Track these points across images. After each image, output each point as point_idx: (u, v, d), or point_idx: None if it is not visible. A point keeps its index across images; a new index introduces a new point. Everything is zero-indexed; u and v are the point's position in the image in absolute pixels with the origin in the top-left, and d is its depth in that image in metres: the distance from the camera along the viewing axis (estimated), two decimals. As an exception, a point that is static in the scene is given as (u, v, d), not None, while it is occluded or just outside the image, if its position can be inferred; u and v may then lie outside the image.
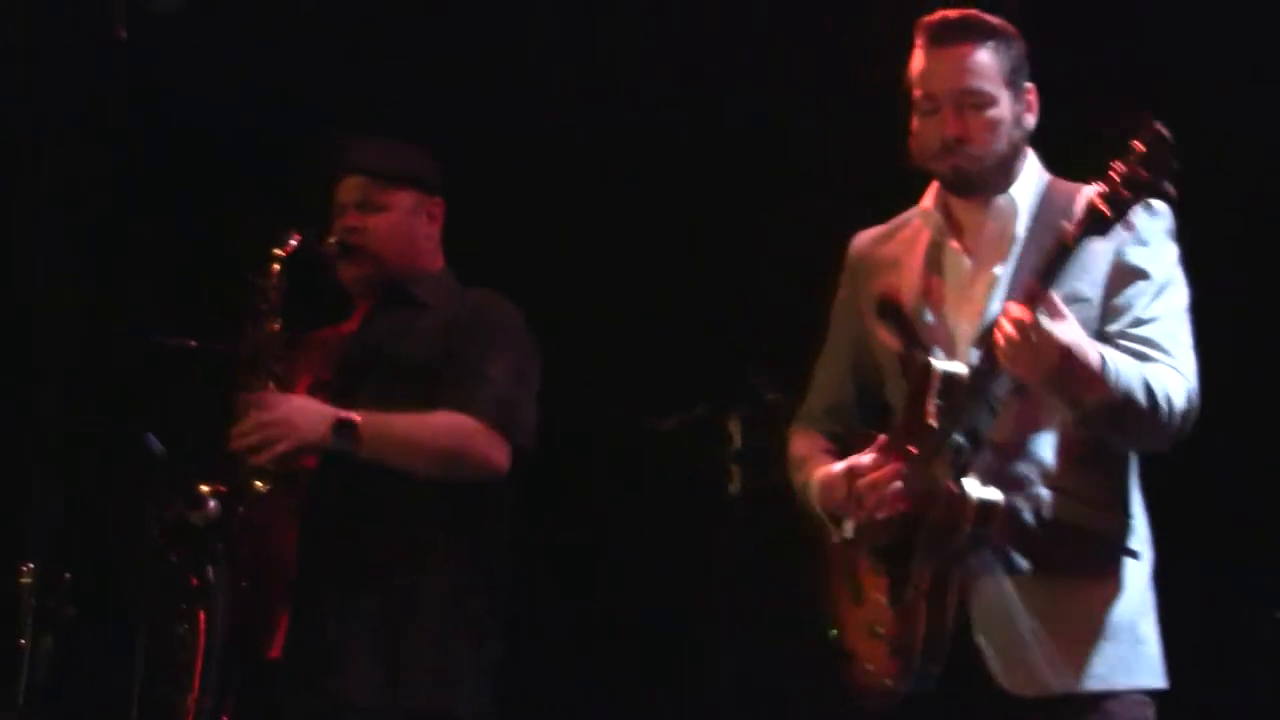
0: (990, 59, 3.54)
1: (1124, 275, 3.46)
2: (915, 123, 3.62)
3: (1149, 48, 5.22)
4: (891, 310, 3.69)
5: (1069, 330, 3.26)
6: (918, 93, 3.60)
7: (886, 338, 3.70)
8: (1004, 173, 3.59)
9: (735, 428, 5.09)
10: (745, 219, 5.79)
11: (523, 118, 5.91)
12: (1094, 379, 3.28)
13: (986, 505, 3.37)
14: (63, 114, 3.14)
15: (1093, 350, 3.29)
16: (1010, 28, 3.59)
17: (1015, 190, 3.59)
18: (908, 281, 3.68)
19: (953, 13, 3.58)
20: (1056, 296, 3.27)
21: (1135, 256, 3.47)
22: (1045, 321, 3.23)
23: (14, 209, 5.00)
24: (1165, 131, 3.12)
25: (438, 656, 4.24)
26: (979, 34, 3.55)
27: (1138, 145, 3.13)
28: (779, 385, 5.04)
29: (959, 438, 3.40)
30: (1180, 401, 3.39)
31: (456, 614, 4.28)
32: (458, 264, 4.64)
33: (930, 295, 3.64)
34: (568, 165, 5.88)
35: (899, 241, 3.76)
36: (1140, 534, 3.53)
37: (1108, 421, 3.34)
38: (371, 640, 4.20)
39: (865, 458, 3.56)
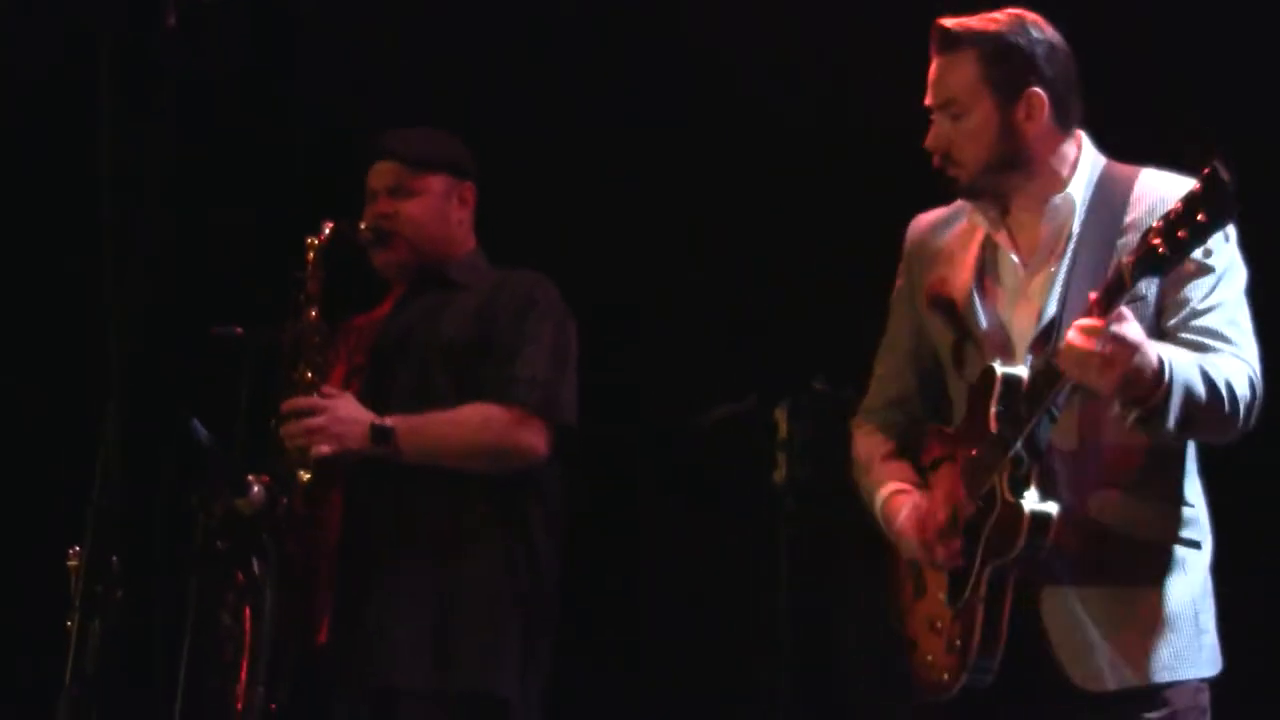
0: (969, 68, 3.53)
1: (1180, 269, 3.39)
2: None
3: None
4: (945, 304, 3.68)
5: (1135, 329, 3.22)
6: None
7: (941, 331, 3.70)
8: (1017, 176, 3.56)
9: (782, 417, 5.07)
10: (792, 209, 5.78)
11: (575, 106, 5.91)
12: (1154, 379, 3.24)
13: (1041, 518, 3.36)
14: (112, 104, 3.13)
15: (1151, 349, 3.25)
16: (1010, 30, 3.55)
17: (1072, 187, 3.56)
18: (961, 278, 3.66)
19: (946, 20, 3.58)
20: (1124, 309, 3.22)
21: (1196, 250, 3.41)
22: (1114, 326, 3.19)
23: (66, 201, 5.04)
24: (1226, 174, 3.06)
25: (483, 638, 4.26)
26: (959, 42, 3.54)
27: (1198, 187, 3.08)
28: (825, 375, 5.03)
29: (1019, 448, 3.38)
30: (1242, 388, 3.37)
31: (502, 595, 4.30)
32: (501, 256, 4.64)
33: (985, 294, 3.62)
34: (619, 155, 5.88)
35: (954, 234, 3.73)
36: (1201, 523, 3.52)
37: (1172, 419, 3.29)
38: (416, 624, 4.23)
39: (938, 509, 3.56)
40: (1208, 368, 3.32)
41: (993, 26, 3.55)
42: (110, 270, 3.05)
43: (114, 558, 3.08)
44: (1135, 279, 3.17)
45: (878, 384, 3.90)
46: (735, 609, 5.66)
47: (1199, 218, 3.07)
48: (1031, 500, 3.36)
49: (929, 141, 3.58)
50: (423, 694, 4.21)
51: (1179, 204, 3.09)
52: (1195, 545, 3.49)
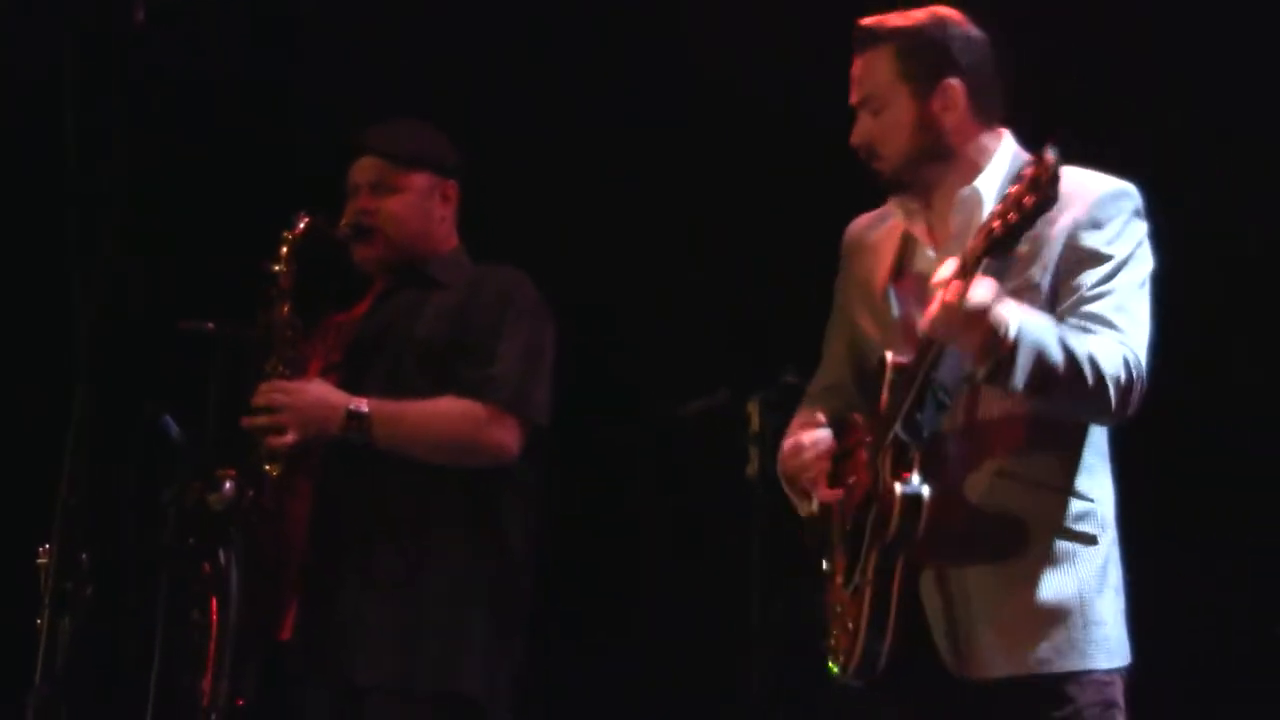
0: (884, 63, 3.60)
1: (1075, 258, 3.46)
2: None
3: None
4: (869, 297, 3.74)
5: (980, 289, 3.23)
6: None
7: (868, 324, 3.75)
8: (939, 169, 3.60)
9: (754, 410, 5.07)
10: (765, 205, 5.78)
11: (547, 107, 5.91)
12: (1003, 335, 3.24)
13: (912, 499, 3.38)
14: (80, 99, 3.12)
15: (1004, 307, 3.26)
16: (923, 25, 3.61)
17: (981, 180, 3.59)
18: (881, 269, 3.73)
19: (864, 20, 3.64)
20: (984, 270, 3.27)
21: (1088, 239, 3.45)
22: (971, 288, 3.23)
23: (34, 197, 5.02)
24: (1051, 160, 3.14)
25: (449, 636, 4.25)
26: (874, 39, 3.61)
27: (1028, 171, 3.17)
28: (796, 368, 5.04)
29: (900, 431, 3.41)
30: (1111, 366, 3.35)
31: (470, 593, 4.29)
32: (480, 253, 4.63)
33: (900, 286, 3.68)
34: (591, 155, 5.88)
35: (884, 229, 3.79)
36: (1097, 517, 3.51)
37: (1019, 376, 3.27)
38: (383, 619, 4.22)
39: (817, 433, 3.69)
40: (1068, 338, 3.33)
41: (907, 22, 3.62)
42: (76, 270, 3.04)
43: (84, 555, 3.06)
44: (978, 260, 3.23)
45: (820, 370, 3.97)
46: (709, 602, 5.66)
47: (1025, 201, 3.15)
48: (906, 483, 3.39)
49: (854, 138, 3.64)
50: (389, 689, 4.20)
51: (1012, 187, 3.19)
52: (1088, 540, 3.48)
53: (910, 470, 3.41)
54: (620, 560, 6.00)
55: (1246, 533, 5.12)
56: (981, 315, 3.23)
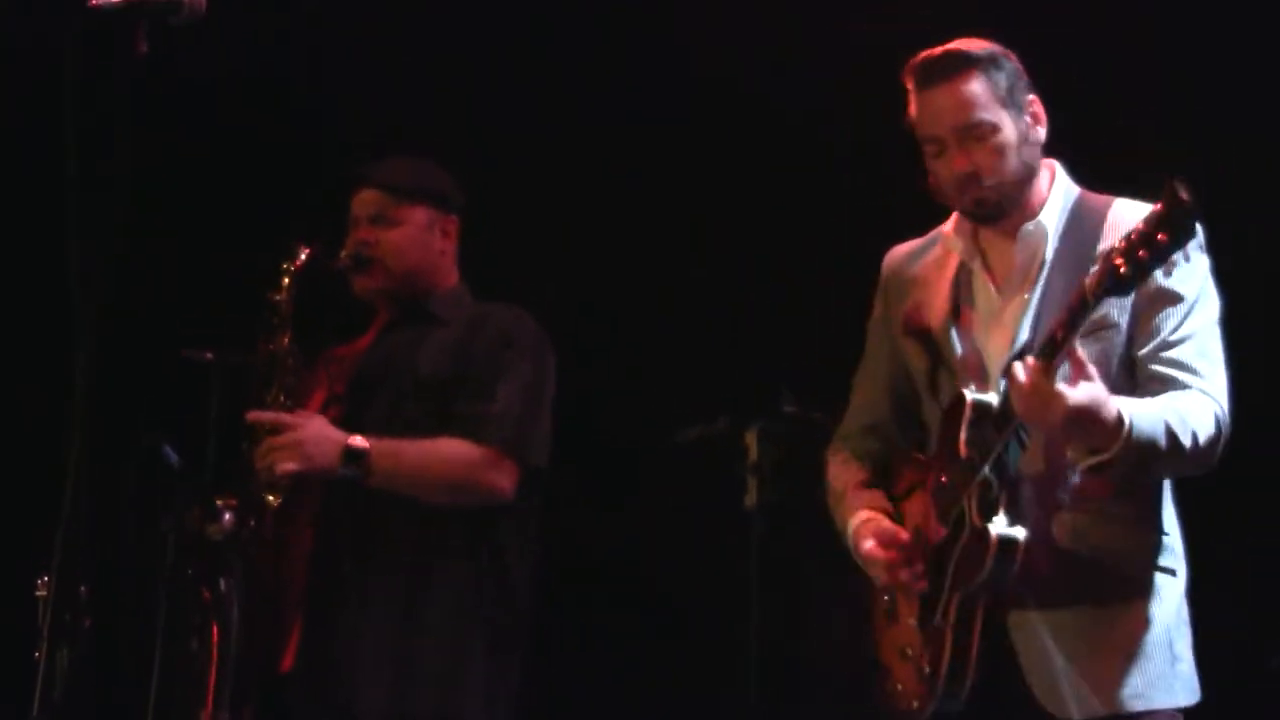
0: (982, 86, 3.52)
1: (1152, 299, 3.44)
2: (928, 163, 3.61)
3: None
4: (920, 331, 3.70)
5: (1083, 392, 3.22)
6: (922, 135, 3.60)
7: (916, 357, 3.71)
8: (1026, 192, 3.58)
9: (752, 441, 5.08)
10: (767, 232, 5.79)
11: (548, 128, 5.91)
12: (1110, 434, 3.25)
13: (1007, 543, 3.36)
14: (78, 130, 3.12)
15: (1112, 406, 3.25)
16: (996, 47, 3.58)
17: (1044, 215, 3.58)
18: (936, 305, 3.68)
19: (935, 50, 3.58)
20: (1080, 349, 3.24)
21: (1162, 278, 3.37)
22: (1059, 383, 3.21)
23: (34, 224, 5.02)
24: (1186, 195, 3.06)
25: (448, 667, 4.24)
26: (964, 65, 3.53)
27: (1159, 207, 3.09)
28: (797, 399, 5.05)
29: (987, 472, 3.39)
30: (1207, 431, 3.37)
31: (469, 624, 4.28)
32: (478, 276, 4.64)
33: (960, 321, 3.64)
34: (591, 175, 5.88)
35: (929, 261, 3.76)
36: (1175, 550, 3.52)
37: (1130, 468, 3.32)
38: (381, 650, 4.21)
39: (901, 533, 3.59)
40: (1172, 420, 3.32)
41: (983, 46, 3.57)
42: (75, 297, 3.03)
43: (82, 586, 3.06)
44: (1097, 299, 3.18)
45: (854, 410, 3.92)
46: (707, 631, 5.66)
47: (1159, 237, 3.08)
48: (999, 525, 3.37)
49: (958, 166, 3.53)
50: (385, 717, 4.19)
51: (1140, 224, 3.11)
52: (1170, 572, 3.49)
53: (997, 512, 3.38)
54: (618, 589, 6.00)
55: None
56: (1077, 414, 3.20)
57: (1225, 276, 3.57)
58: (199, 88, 5.61)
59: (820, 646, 5.23)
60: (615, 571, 6.00)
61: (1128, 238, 3.12)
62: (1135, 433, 3.26)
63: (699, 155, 5.81)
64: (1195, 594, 3.55)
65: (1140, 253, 3.09)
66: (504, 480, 4.31)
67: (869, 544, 3.64)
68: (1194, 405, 3.38)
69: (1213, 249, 3.49)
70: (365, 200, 4.55)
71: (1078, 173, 3.69)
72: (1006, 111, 3.53)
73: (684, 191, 5.83)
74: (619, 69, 5.89)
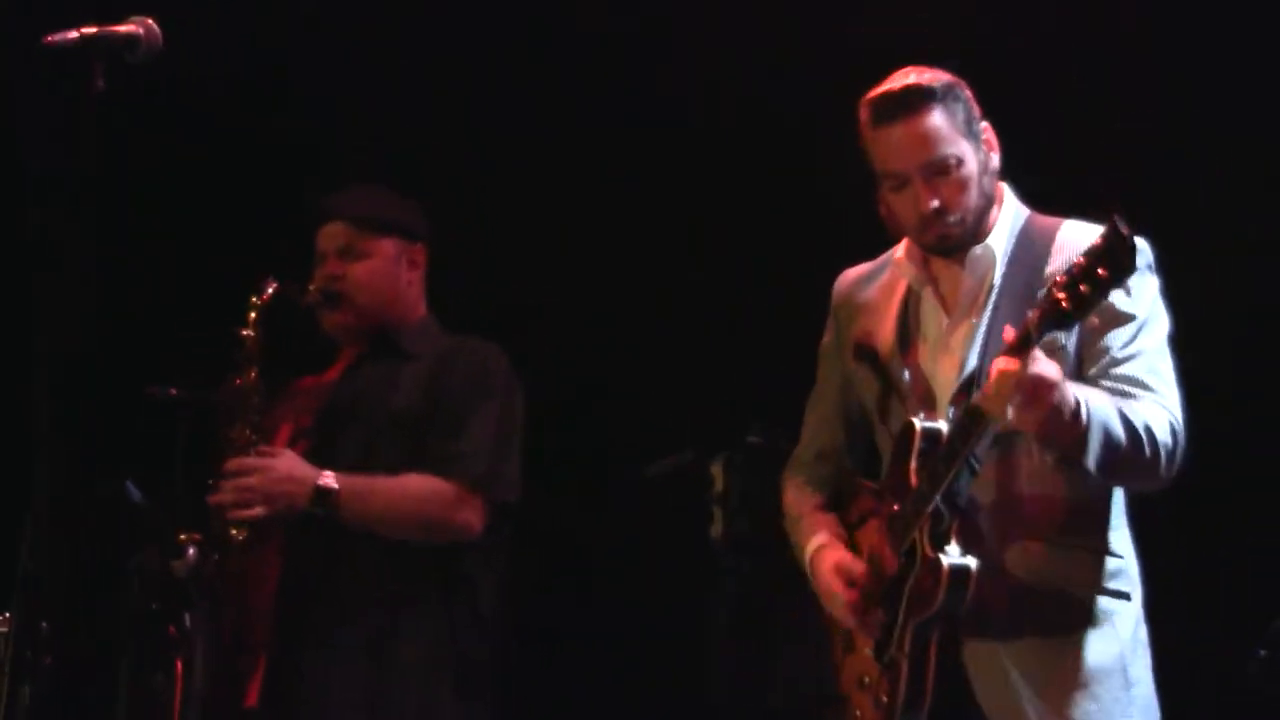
0: (944, 120, 3.51)
1: (1100, 320, 3.44)
2: (886, 196, 3.60)
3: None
4: (869, 357, 3.70)
5: (1046, 365, 3.22)
6: (880, 169, 3.58)
7: (867, 384, 3.72)
8: (983, 223, 3.58)
9: (718, 471, 5.09)
10: (732, 263, 5.80)
11: (519, 147, 5.91)
12: (1072, 417, 3.26)
13: (959, 572, 3.37)
14: (40, 164, 3.13)
15: (1069, 388, 3.27)
16: (951, 77, 3.57)
17: (992, 239, 3.58)
18: (885, 331, 3.69)
19: (894, 83, 3.56)
20: (1037, 350, 3.23)
21: (1111, 298, 3.38)
22: (1032, 366, 3.19)
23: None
24: (1126, 230, 3.08)
25: (416, 706, 4.23)
26: (926, 99, 3.52)
27: (1099, 241, 3.10)
28: (761, 429, 5.05)
29: (939, 502, 3.39)
30: (1163, 434, 3.39)
31: (438, 660, 4.27)
32: (447, 305, 4.64)
33: (908, 347, 3.64)
34: (562, 205, 5.89)
35: (879, 286, 3.76)
36: (1130, 574, 3.53)
37: (1092, 458, 3.32)
38: (349, 690, 4.20)
39: (862, 573, 3.58)
40: (1126, 410, 3.35)
41: (938, 78, 3.56)
42: (41, 326, 3.03)
43: (43, 623, 3.06)
44: (1041, 334, 3.18)
45: (807, 436, 3.93)
46: (672, 663, 5.65)
47: (1099, 272, 3.09)
48: (951, 555, 3.37)
49: (926, 203, 3.51)
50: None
51: (1081, 259, 3.12)
52: (1123, 596, 3.50)
53: (949, 541, 3.39)
54: (584, 622, 5.99)
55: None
56: (1047, 394, 3.21)
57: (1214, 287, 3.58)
58: (170, 118, 5.61)
59: (786, 676, 5.22)
60: (582, 601, 5.99)
61: (1069, 272, 3.13)
62: (1093, 414, 3.27)
63: (664, 190, 5.82)
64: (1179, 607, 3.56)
65: (1081, 287, 3.10)
66: (473, 517, 4.31)
67: (830, 579, 3.65)
68: (1147, 407, 3.40)
69: (1190, 260, 3.52)
70: (331, 234, 4.54)
71: (1035, 191, 3.71)
72: (967, 142, 3.53)
73: (646, 226, 5.84)
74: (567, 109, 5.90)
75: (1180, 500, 3.71)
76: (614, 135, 5.86)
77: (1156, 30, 5.25)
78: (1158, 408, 3.42)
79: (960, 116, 3.53)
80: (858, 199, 3.76)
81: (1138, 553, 3.57)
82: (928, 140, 3.51)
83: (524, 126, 5.94)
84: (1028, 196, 3.70)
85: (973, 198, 3.54)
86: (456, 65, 5.92)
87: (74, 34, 3.09)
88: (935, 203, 3.50)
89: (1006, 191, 3.66)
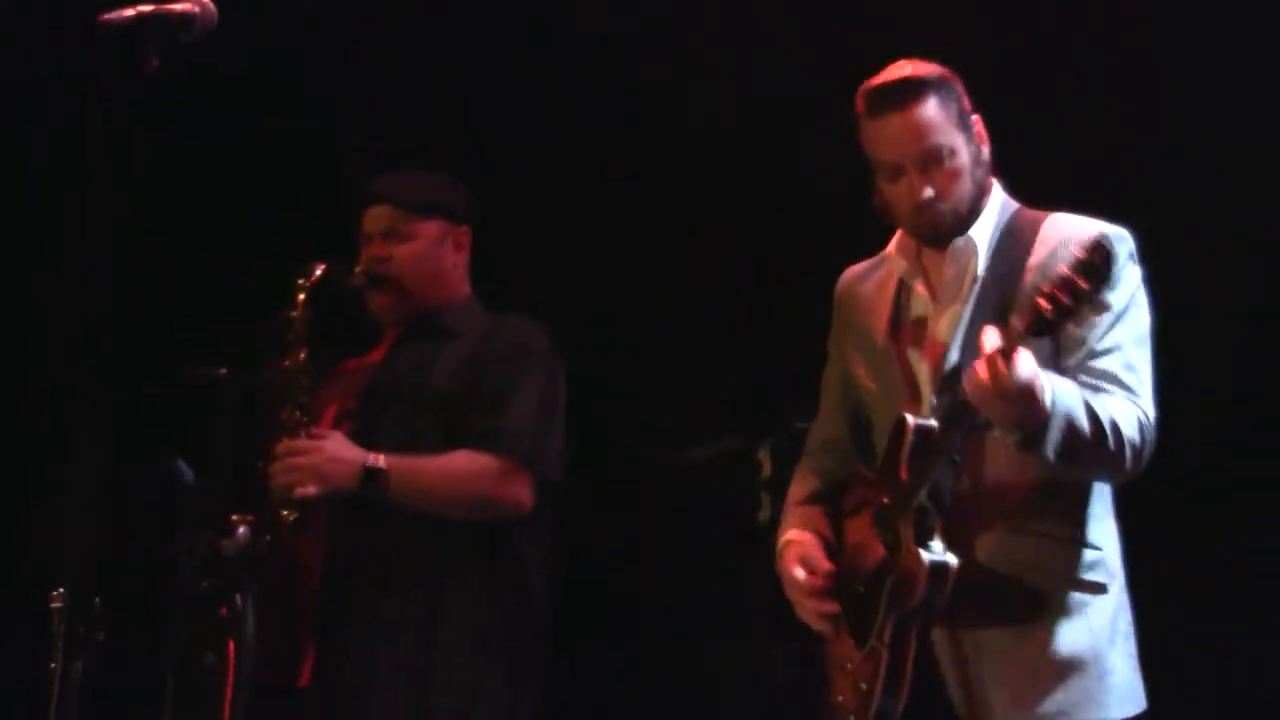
0: (937, 110, 3.57)
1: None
2: (881, 185, 3.65)
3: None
4: (865, 349, 3.76)
5: (1026, 366, 3.26)
6: (875, 159, 3.64)
7: (866, 379, 3.76)
8: (975, 213, 3.62)
9: (765, 457, 5.08)
10: (780, 247, 5.79)
11: (553, 135, 5.92)
12: (1037, 406, 3.29)
13: (939, 568, 3.41)
14: (90, 143, 3.13)
15: (1040, 378, 3.30)
16: (943, 69, 3.63)
17: (975, 230, 3.62)
18: (878, 325, 3.74)
19: (889, 74, 3.62)
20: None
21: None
22: (1018, 370, 3.24)
23: (43, 242, 5.03)
24: (1108, 245, 3.16)
25: (464, 686, 4.25)
26: (920, 90, 3.57)
27: (1083, 255, 3.16)
28: (808, 414, 5.04)
29: (924, 498, 3.44)
30: (1129, 430, 3.41)
31: (485, 640, 4.29)
32: (486, 288, 4.64)
33: (897, 339, 3.69)
34: (600, 189, 5.89)
35: (875, 281, 3.82)
36: (1107, 565, 3.54)
37: (1050, 447, 3.33)
38: (397, 669, 4.22)
39: (821, 560, 3.67)
40: (1093, 403, 3.37)
41: (931, 70, 3.62)
42: (85, 308, 3.04)
43: (96, 600, 3.07)
44: (1023, 339, 3.23)
45: (815, 427, 4.00)
46: (721, 650, 5.65)
47: (1081, 284, 3.15)
48: (933, 551, 3.42)
49: (920, 192, 3.57)
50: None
51: (1065, 269, 3.17)
52: (1099, 589, 3.51)
53: (932, 538, 3.43)
54: (631, 604, 5.99)
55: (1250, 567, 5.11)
56: (1028, 390, 3.25)
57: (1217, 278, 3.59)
58: (214, 97, 5.62)
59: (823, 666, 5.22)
60: (628, 587, 6.00)
61: (1053, 281, 3.18)
62: (1057, 402, 3.30)
63: (709, 170, 5.82)
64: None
65: (1063, 298, 3.16)
66: (522, 493, 4.33)
67: (790, 568, 3.73)
68: (1116, 403, 3.43)
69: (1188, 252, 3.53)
70: (377, 216, 4.56)
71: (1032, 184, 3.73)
72: (960, 134, 3.59)
73: (694, 209, 5.84)
74: (624, 83, 5.90)
75: (1178, 497, 3.71)
76: (662, 114, 5.87)
77: (1156, 28, 5.24)
78: (1127, 403, 3.44)
79: (953, 108, 3.59)
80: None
81: (1132, 549, 3.59)
82: (922, 130, 3.57)
83: (541, 122, 5.95)
84: (1026, 194, 3.74)
85: (965, 187, 3.59)
86: (455, 64, 5.93)
87: (129, 12, 3.09)
88: (929, 191, 3.56)
89: (995, 186, 3.70)
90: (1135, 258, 3.56)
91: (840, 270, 3.99)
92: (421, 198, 4.56)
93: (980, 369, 3.25)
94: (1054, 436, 3.31)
